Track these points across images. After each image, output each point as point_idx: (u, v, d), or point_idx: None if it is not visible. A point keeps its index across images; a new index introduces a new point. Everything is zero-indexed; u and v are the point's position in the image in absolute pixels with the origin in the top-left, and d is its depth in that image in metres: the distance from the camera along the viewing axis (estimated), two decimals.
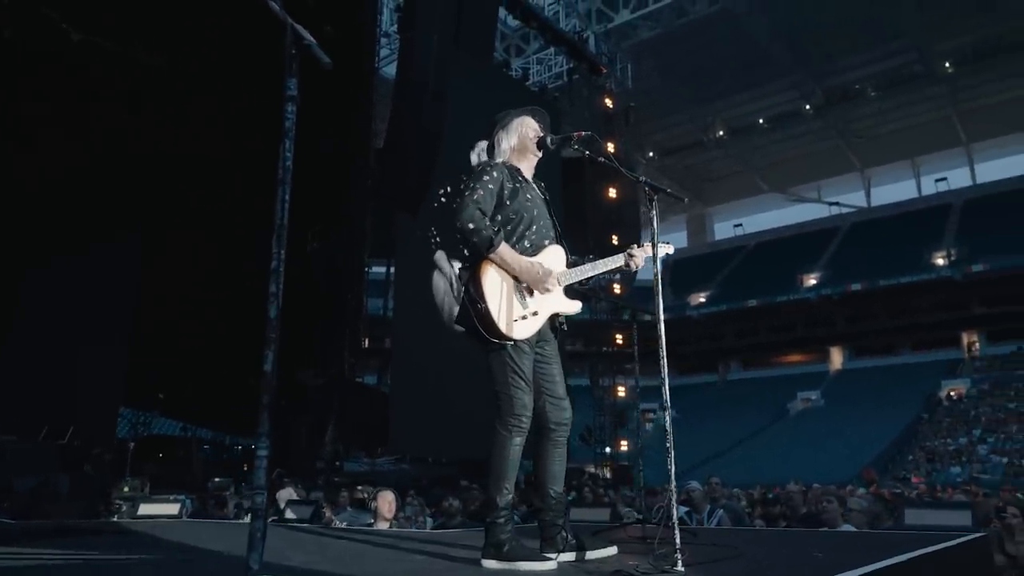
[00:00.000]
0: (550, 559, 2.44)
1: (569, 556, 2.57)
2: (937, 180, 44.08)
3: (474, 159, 2.83)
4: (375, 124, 14.36)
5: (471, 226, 2.52)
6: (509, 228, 2.66)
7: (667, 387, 2.40)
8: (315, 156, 11.82)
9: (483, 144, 2.87)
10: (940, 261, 36.20)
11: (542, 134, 2.83)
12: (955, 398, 31.78)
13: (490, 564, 2.43)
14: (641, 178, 2.69)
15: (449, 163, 12.60)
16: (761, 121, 42.18)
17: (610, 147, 19.44)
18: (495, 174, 2.67)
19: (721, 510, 6.15)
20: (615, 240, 18.04)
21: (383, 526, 5.56)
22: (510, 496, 2.53)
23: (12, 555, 2.93)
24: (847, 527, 5.23)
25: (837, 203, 47.84)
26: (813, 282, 39.56)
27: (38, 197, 10.00)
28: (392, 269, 15.29)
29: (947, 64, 36.16)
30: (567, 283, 2.71)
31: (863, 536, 4.17)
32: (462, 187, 2.65)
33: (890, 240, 38.81)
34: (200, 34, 10.68)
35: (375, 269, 16.10)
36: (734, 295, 41.27)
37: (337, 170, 12.74)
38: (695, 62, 35.24)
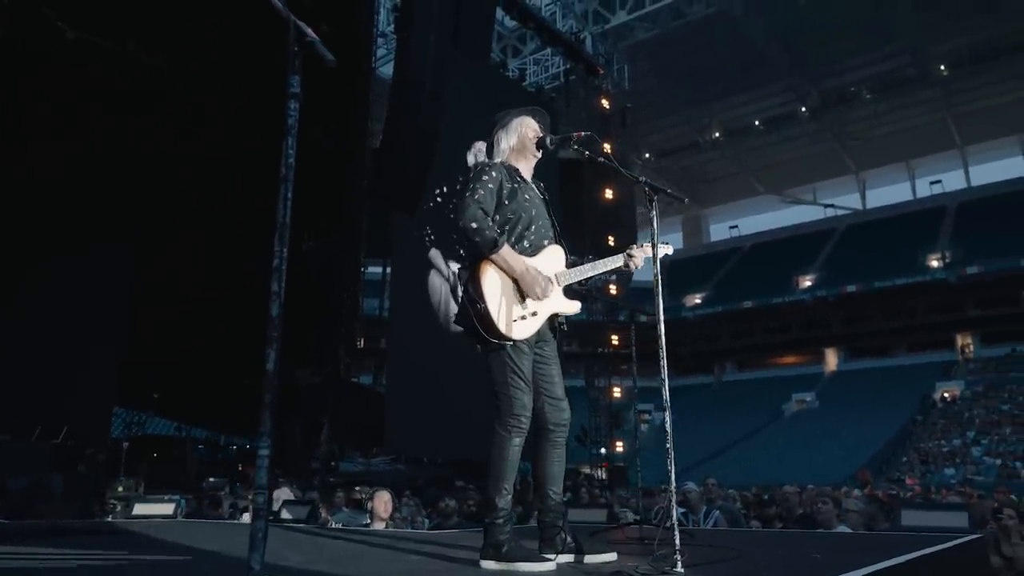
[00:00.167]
0: (549, 560, 2.43)
1: (568, 558, 2.56)
2: (932, 183, 44.29)
3: (471, 159, 2.83)
4: (372, 124, 14.35)
5: (474, 226, 2.51)
6: (508, 228, 2.65)
7: (667, 388, 2.40)
8: (312, 156, 11.80)
9: (480, 144, 2.86)
10: (935, 263, 36.33)
11: (542, 134, 2.82)
12: (949, 400, 31.90)
13: (489, 565, 2.42)
14: (641, 178, 2.69)
15: (446, 163, 12.61)
16: (757, 123, 42.29)
17: (606, 148, 19.45)
18: (494, 174, 2.66)
19: (717, 511, 6.16)
20: (611, 241, 18.05)
21: (379, 526, 5.56)
22: (509, 497, 2.52)
23: (7, 555, 2.91)
24: (842, 528, 5.23)
25: (832, 205, 48.02)
26: (808, 284, 39.67)
27: (32, 197, 9.95)
28: (388, 269, 15.27)
29: (942, 67, 36.30)
30: (566, 283, 2.71)
31: (860, 537, 4.18)
32: (459, 187, 2.65)
33: (885, 242, 38.95)
34: (199, 34, 10.64)
35: (371, 269, 16.08)
36: (730, 296, 41.36)
37: (334, 170, 12.71)
38: (691, 64, 35.30)
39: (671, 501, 2.31)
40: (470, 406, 8.93)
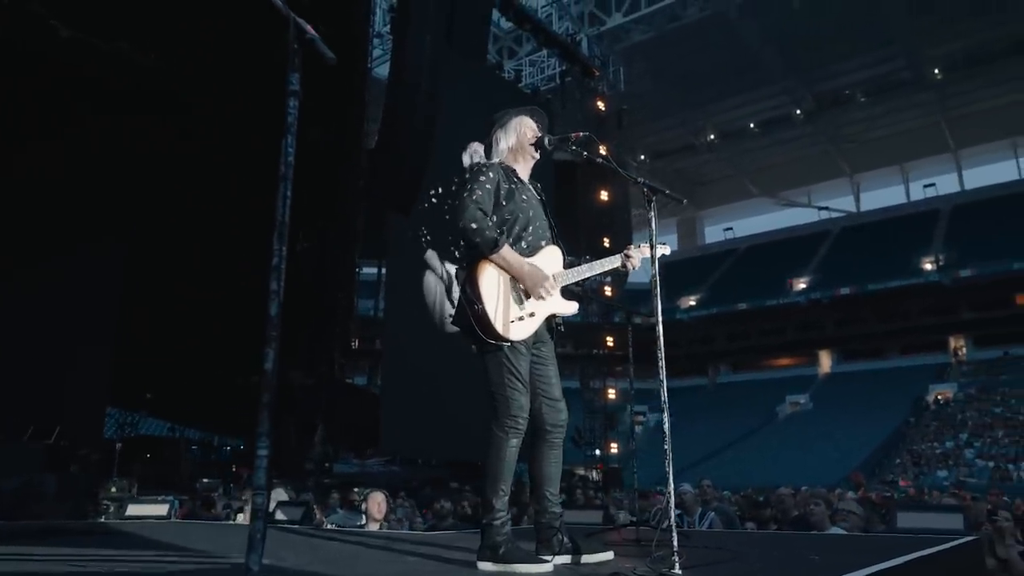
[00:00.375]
0: (546, 561, 2.43)
1: (565, 559, 2.55)
2: (926, 186, 44.49)
3: (466, 160, 2.81)
4: (367, 124, 14.33)
5: (474, 226, 2.50)
6: (506, 229, 2.64)
7: (665, 388, 2.39)
8: (308, 155, 11.76)
9: (475, 145, 2.85)
10: (928, 266, 36.46)
11: (540, 134, 2.82)
12: (942, 402, 32.00)
13: (486, 566, 2.41)
14: (639, 179, 2.69)
15: (441, 164, 12.60)
16: (752, 126, 42.40)
17: (601, 150, 19.43)
18: (491, 174, 2.65)
19: (712, 512, 6.17)
20: (607, 243, 18.05)
21: (374, 527, 5.55)
22: (506, 498, 2.52)
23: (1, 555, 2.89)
24: (835, 529, 5.24)
25: (827, 208, 48.17)
26: (803, 286, 39.76)
27: (26, 196, 9.89)
28: (383, 270, 15.26)
29: (936, 71, 36.46)
30: (564, 284, 2.70)
31: (857, 539, 4.18)
32: (456, 188, 2.64)
33: (879, 245, 39.09)
34: (194, 34, 10.60)
35: (365, 270, 16.06)
36: (724, 298, 41.43)
37: (329, 170, 12.69)
38: (687, 66, 35.37)
39: (669, 502, 2.30)
40: (465, 407, 8.93)
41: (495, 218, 2.64)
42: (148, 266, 11.77)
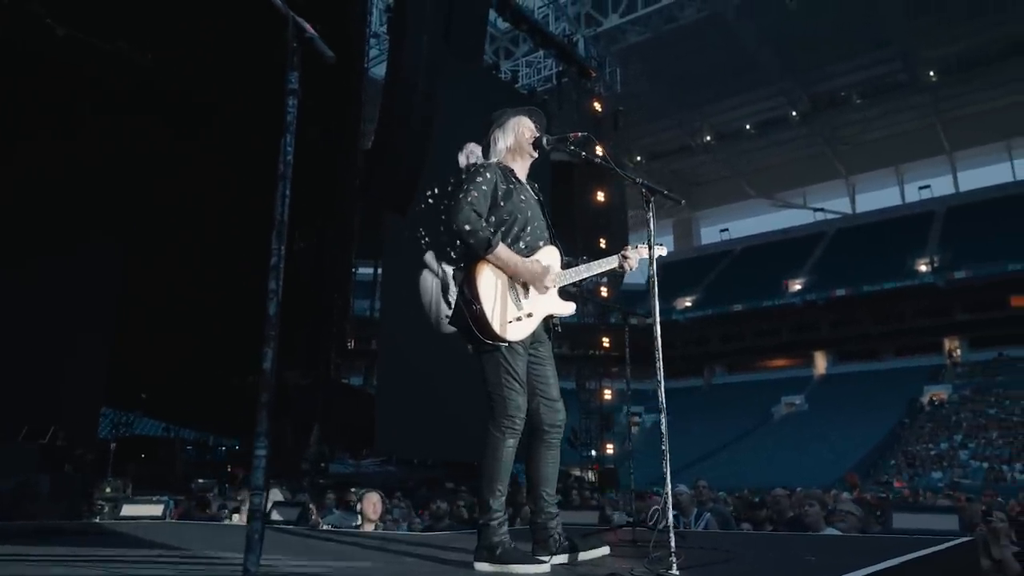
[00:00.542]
0: (543, 562, 2.42)
1: (562, 558, 2.55)
2: (920, 188, 44.63)
3: (462, 161, 2.81)
4: (364, 124, 14.31)
5: (467, 227, 2.49)
6: (504, 229, 2.63)
7: (663, 389, 2.39)
8: (305, 155, 11.72)
9: (471, 146, 2.84)
10: (923, 268, 36.60)
11: (538, 134, 2.81)
12: (937, 403, 32.13)
13: (483, 567, 2.40)
14: (638, 180, 2.69)
15: (438, 164, 12.58)
16: (748, 127, 42.51)
17: (598, 151, 19.46)
18: (488, 175, 2.64)
19: (708, 513, 6.16)
20: (603, 244, 18.07)
21: (369, 528, 5.53)
22: (503, 499, 2.51)
23: None
24: (830, 530, 5.24)
25: (822, 209, 48.29)
26: (798, 287, 39.86)
27: (24, 195, 9.86)
28: (379, 270, 15.24)
29: (931, 73, 36.60)
30: (562, 284, 2.70)
31: (853, 540, 4.19)
32: (452, 188, 2.64)
33: (874, 246, 39.22)
34: (193, 34, 10.57)
35: (361, 270, 16.04)
36: (720, 299, 41.50)
37: (326, 170, 12.67)
38: (683, 67, 35.44)
39: (667, 503, 2.30)
40: (461, 407, 8.93)
41: (492, 218, 2.63)
42: (144, 266, 11.74)
